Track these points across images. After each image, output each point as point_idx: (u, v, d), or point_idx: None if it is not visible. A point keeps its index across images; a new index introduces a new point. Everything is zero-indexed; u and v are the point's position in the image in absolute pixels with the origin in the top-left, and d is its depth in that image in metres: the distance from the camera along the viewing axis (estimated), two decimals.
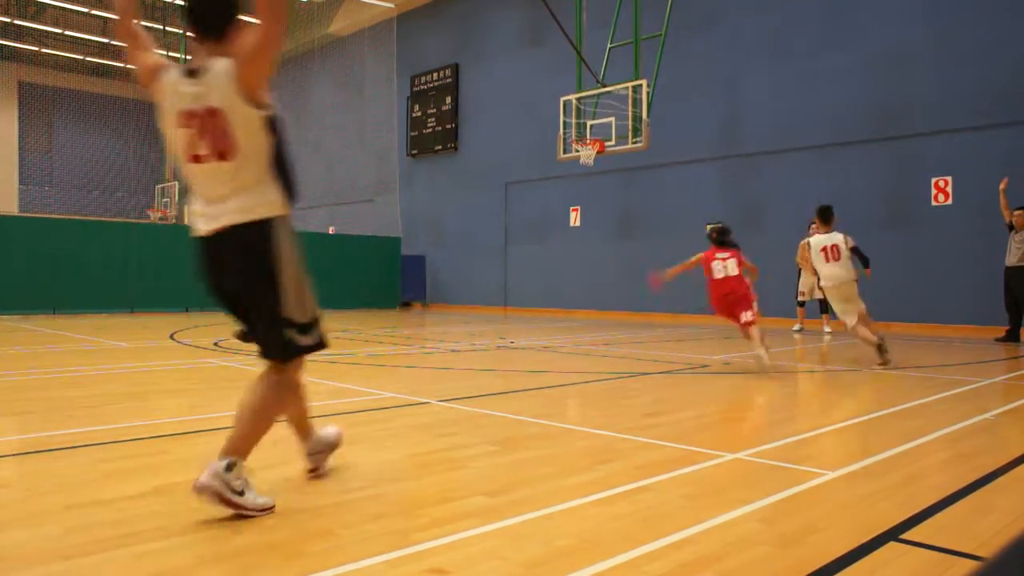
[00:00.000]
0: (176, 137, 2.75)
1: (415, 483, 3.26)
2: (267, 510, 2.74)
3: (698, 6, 15.42)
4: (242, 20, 2.78)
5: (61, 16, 26.93)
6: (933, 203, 12.66)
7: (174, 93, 2.72)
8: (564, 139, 13.96)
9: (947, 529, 2.65)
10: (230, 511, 2.67)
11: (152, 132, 33.28)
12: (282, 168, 2.80)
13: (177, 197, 25.70)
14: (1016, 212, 10.75)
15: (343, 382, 6.25)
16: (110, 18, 26.67)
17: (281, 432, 4.24)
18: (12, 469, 3.47)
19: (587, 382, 6.57)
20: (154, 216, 26.86)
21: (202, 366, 7.38)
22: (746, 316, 7.50)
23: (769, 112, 14.55)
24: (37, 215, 24.96)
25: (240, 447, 2.77)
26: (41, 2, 24.86)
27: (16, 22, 26.60)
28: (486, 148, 20.21)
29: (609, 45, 14.10)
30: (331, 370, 7.16)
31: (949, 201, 12.49)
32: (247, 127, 2.69)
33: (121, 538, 2.46)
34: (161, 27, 26.68)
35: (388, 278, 21.13)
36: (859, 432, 4.36)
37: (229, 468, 2.68)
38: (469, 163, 20.73)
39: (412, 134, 22.34)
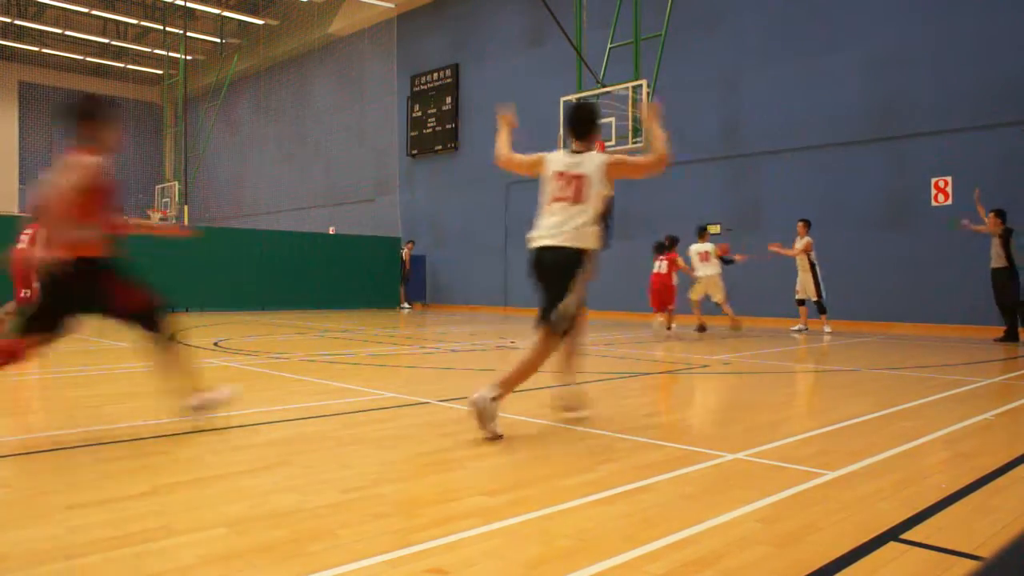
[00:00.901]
0: (549, 186, 4.42)
1: (415, 483, 3.26)
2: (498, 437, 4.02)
3: (698, 6, 15.42)
4: (596, 129, 4.63)
5: (61, 16, 26.94)
6: (933, 203, 12.66)
7: (558, 161, 4.43)
8: (564, 139, 13.96)
9: (947, 529, 2.65)
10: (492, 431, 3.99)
11: (152, 132, 33.31)
12: (606, 224, 4.47)
13: (177, 197, 25.70)
14: (989, 215, 10.87)
15: (343, 382, 6.25)
16: (110, 18, 26.69)
17: (280, 433, 4.24)
18: (12, 469, 3.47)
19: (587, 382, 6.57)
20: (154, 216, 26.86)
21: (202, 366, 7.37)
22: (670, 306, 11.28)
23: (769, 112, 14.55)
24: None
25: (508, 386, 4.14)
26: (41, 2, 24.86)
27: (16, 22, 26.61)
28: (486, 148, 20.09)
29: (609, 45, 14.11)
30: (331, 370, 7.16)
31: (949, 201, 12.48)
32: (596, 194, 4.32)
33: (121, 538, 2.46)
34: (161, 27, 26.69)
35: (388, 278, 21.12)
36: (859, 432, 4.35)
37: (494, 399, 4.02)
38: (469, 163, 20.72)
39: (412, 134, 22.34)
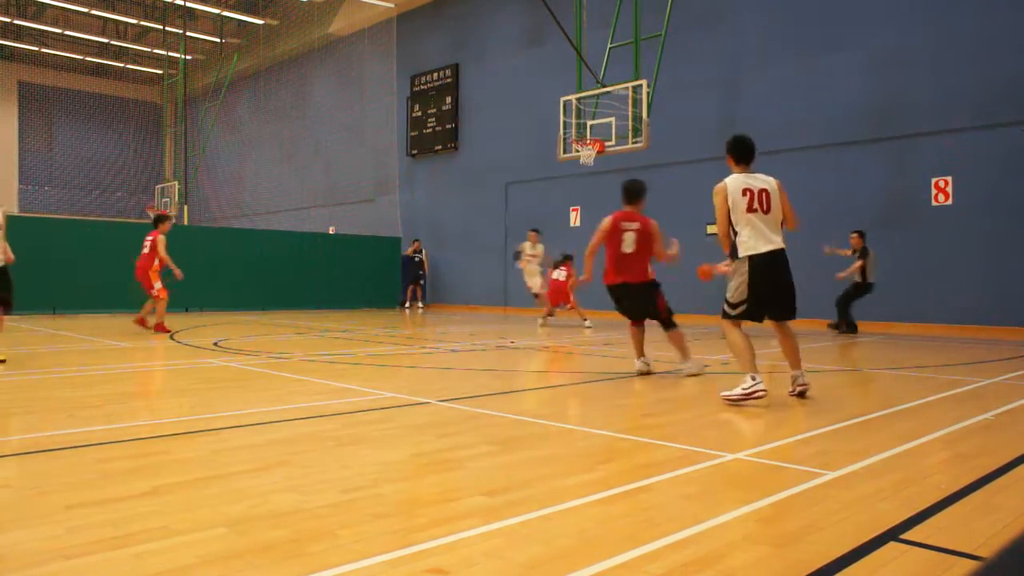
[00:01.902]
0: (741, 202, 5.29)
1: (415, 483, 3.27)
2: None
3: (698, 6, 15.42)
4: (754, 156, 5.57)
5: (61, 16, 26.93)
6: (933, 203, 12.66)
7: (740, 182, 5.34)
8: (564, 139, 13.95)
9: (947, 529, 2.65)
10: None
11: (152, 132, 33.30)
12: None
13: (177, 197, 25.70)
14: (852, 236, 12.11)
15: (343, 382, 6.25)
16: (110, 18, 26.68)
17: (280, 433, 4.25)
18: (12, 469, 3.47)
19: (587, 382, 6.57)
20: (154, 216, 26.81)
21: (202, 366, 7.37)
22: (568, 305, 13.37)
23: (769, 112, 14.54)
24: (37, 215, 24.97)
25: (796, 361, 5.50)
26: (41, 2, 24.85)
27: (16, 22, 26.60)
28: (486, 148, 20.20)
29: (609, 45, 14.09)
30: (331, 370, 7.16)
31: (949, 201, 12.48)
32: (777, 205, 5.38)
33: (121, 538, 2.46)
34: (161, 27, 26.68)
35: (388, 278, 21.13)
36: (859, 432, 4.36)
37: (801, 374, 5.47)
38: (469, 163, 20.72)
39: (412, 134, 22.34)
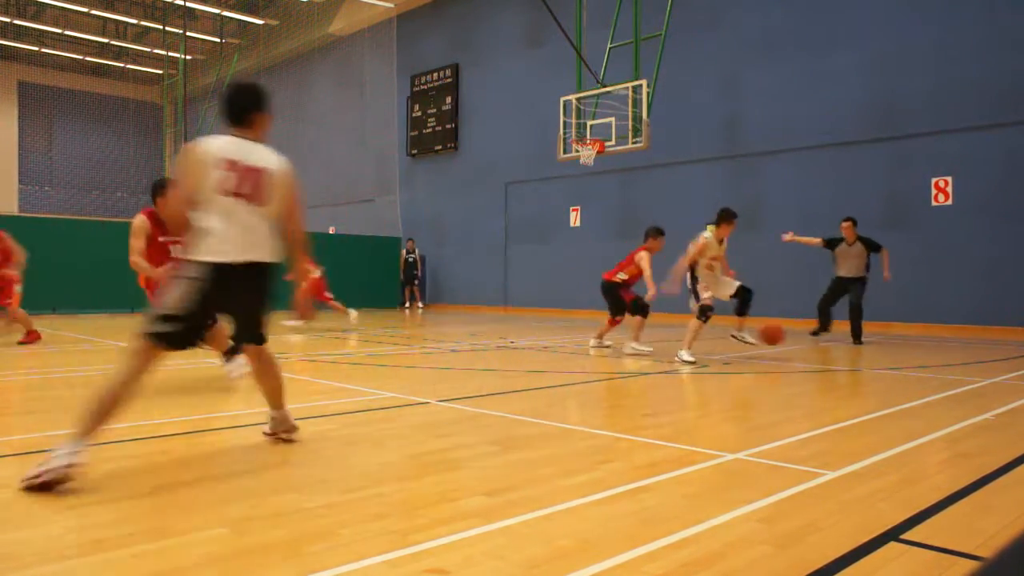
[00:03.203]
0: (215, 173, 3.50)
1: (415, 483, 3.26)
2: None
3: (698, 6, 15.42)
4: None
5: (61, 16, 26.93)
6: (933, 203, 12.66)
7: (228, 147, 3.56)
8: (564, 139, 13.95)
9: (947, 529, 2.65)
10: None
11: (152, 132, 33.27)
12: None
13: None
14: (844, 224, 10.72)
15: (343, 382, 6.25)
16: (110, 18, 26.66)
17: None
18: (12, 469, 3.47)
19: (587, 382, 6.57)
20: None
21: (202, 366, 7.37)
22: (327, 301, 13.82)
23: (769, 112, 14.55)
24: (37, 215, 24.96)
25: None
26: (41, 2, 24.85)
27: (16, 22, 26.59)
28: (486, 148, 20.20)
29: (609, 45, 14.09)
30: (331, 370, 7.17)
31: (949, 201, 12.48)
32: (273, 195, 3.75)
33: (121, 538, 2.46)
34: (161, 27, 26.68)
35: (388, 278, 21.12)
36: (859, 432, 4.36)
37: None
38: (469, 163, 20.72)
39: (412, 134, 22.33)
